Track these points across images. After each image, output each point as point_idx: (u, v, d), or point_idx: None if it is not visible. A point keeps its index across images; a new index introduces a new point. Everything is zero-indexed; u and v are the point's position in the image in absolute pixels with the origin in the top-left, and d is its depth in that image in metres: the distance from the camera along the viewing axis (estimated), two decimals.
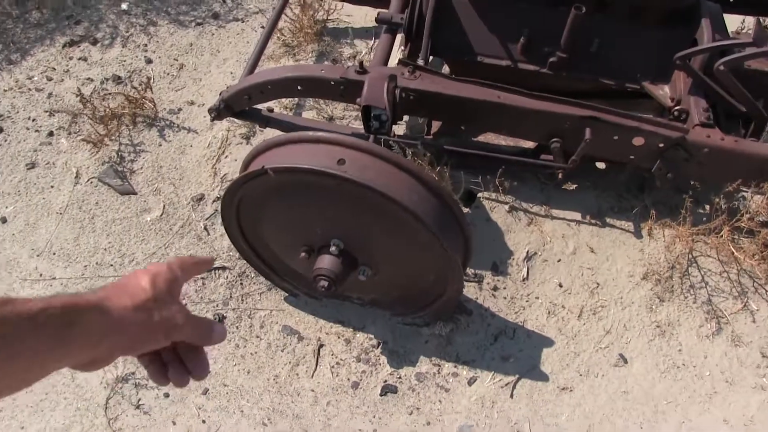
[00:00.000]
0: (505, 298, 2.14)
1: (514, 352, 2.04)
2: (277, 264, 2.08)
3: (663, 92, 2.26)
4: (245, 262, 2.13)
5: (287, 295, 2.18)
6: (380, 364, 2.03)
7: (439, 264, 1.77)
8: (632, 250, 2.22)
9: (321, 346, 2.07)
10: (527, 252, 2.22)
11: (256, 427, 1.93)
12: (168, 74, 2.86)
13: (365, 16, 3.00)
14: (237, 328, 2.12)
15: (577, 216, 2.30)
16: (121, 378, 2.01)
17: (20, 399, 1.99)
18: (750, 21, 2.64)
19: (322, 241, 1.80)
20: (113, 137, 2.60)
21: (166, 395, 1.99)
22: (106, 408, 1.97)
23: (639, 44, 2.23)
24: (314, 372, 2.03)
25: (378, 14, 2.35)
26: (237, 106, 2.27)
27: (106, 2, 3.12)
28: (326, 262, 1.77)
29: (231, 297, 2.18)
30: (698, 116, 2.05)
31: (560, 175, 2.20)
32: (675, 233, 2.17)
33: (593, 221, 2.28)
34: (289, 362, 2.05)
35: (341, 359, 2.05)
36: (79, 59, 2.93)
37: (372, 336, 2.08)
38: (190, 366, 0.81)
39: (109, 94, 2.77)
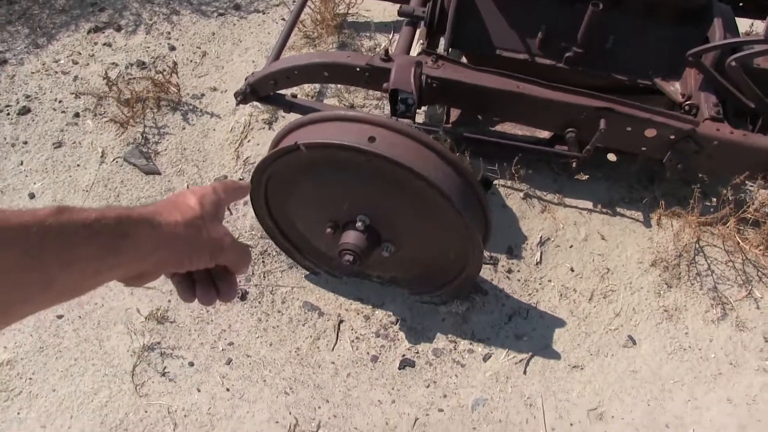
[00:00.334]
0: (519, 280, 2.22)
1: (528, 331, 2.12)
2: (300, 242, 2.15)
3: (674, 88, 2.35)
4: (268, 240, 2.20)
5: (308, 273, 2.25)
6: (398, 340, 2.11)
7: (461, 242, 1.84)
8: (641, 239, 2.31)
9: (341, 321, 2.15)
10: (540, 237, 2.31)
11: (278, 395, 1.99)
12: (191, 61, 2.94)
13: (384, 11, 3.09)
14: (259, 303, 2.19)
15: (589, 205, 2.38)
16: (147, 347, 2.08)
17: (50, 364, 2.05)
18: (758, 25, 2.74)
19: (348, 217, 1.87)
20: (138, 120, 2.68)
21: (191, 363, 2.06)
22: (132, 374, 2.03)
23: (652, 41, 2.32)
24: (335, 346, 2.10)
25: (400, 7, 2.45)
26: (262, 90, 2.35)
27: None
28: (352, 237, 1.84)
29: (253, 274, 2.25)
30: (708, 111, 2.13)
31: (574, 165, 2.28)
32: (683, 223, 2.26)
33: (604, 210, 2.37)
34: (310, 336, 2.12)
35: (361, 334, 2.12)
36: (104, 45, 3.00)
37: (390, 313, 2.16)
38: (221, 287, 0.81)
39: (134, 78, 2.85)
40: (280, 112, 2.67)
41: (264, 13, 3.17)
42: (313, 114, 1.84)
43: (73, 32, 3.05)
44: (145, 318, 2.13)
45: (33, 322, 2.14)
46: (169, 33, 3.06)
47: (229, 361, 2.07)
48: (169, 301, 2.19)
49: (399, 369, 2.05)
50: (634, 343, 2.10)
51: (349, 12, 3.05)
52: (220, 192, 0.81)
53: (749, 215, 2.16)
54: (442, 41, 2.41)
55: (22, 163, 2.56)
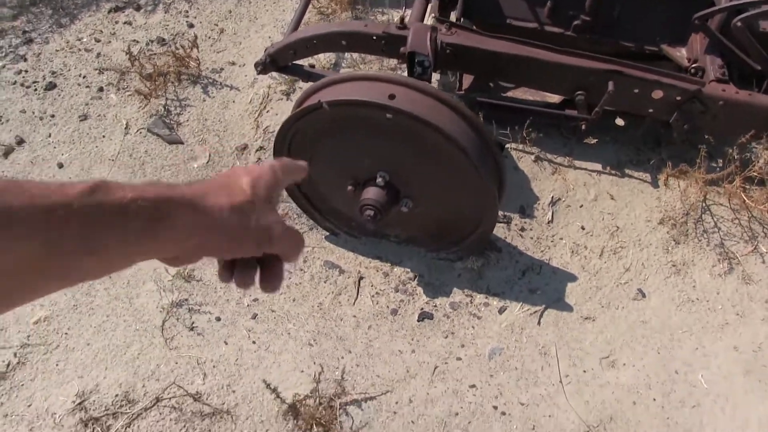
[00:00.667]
0: (531, 238, 2.30)
1: (541, 285, 2.21)
2: (321, 203, 2.24)
3: (680, 54, 2.43)
4: (290, 201, 2.29)
5: (328, 234, 2.34)
6: (417, 294, 2.19)
7: (477, 196, 1.92)
8: (649, 198, 2.38)
9: (361, 278, 2.24)
10: (552, 198, 2.39)
11: (302, 347, 2.09)
12: (209, 38, 3.03)
13: None
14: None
15: (598, 167, 2.46)
16: (176, 303, 2.18)
17: (84, 320, 2.15)
18: None
19: (369, 174, 1.96)
20: (160, 93, 2.77)
21: (218, 318, 2.15)
22: (162, 329, 2.13)
23: (658, 8, 2.39)
24: (355, 300, 2.19)
25: None
26: (282, 60, 2.43)
27: None
28: (372, 192, 1.93)
29: None
30: (714, 73, 2.21)
31: (583, 127, 2.36)
32: (690, 182, 2.33)
33: (613, 172, 2.45)
34: (332, 292, 2.21)
35: (380, 290, 2.21)
36: (125, 23, 3.09)
37: (408, 270, 2.25)
38: (264, 275, 0.73)
39: (155, 54, 2.94)
40: (297, 84, 2.75)
41: None
42: (335, 75, 1.93)
43: (95, 12, 3.14)
44: (173, 276, 2.23)
45: None
46: (187, 11, 3.14)
47: (254, 316, 2.16)
48: None
49: (418, 321, 2.14)
50: (644, 296, 2.18)
51: None
52: (279, 173, 0.73)
53: (755, 174, 2.23)
54: (453, 15, 2.49)
55: (50, 135, 2.66)
